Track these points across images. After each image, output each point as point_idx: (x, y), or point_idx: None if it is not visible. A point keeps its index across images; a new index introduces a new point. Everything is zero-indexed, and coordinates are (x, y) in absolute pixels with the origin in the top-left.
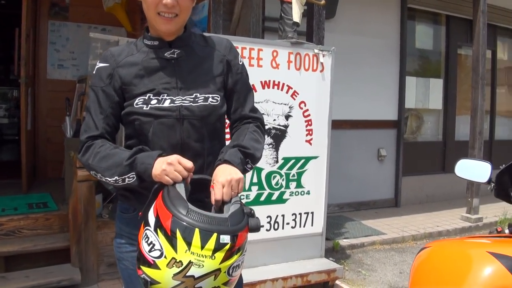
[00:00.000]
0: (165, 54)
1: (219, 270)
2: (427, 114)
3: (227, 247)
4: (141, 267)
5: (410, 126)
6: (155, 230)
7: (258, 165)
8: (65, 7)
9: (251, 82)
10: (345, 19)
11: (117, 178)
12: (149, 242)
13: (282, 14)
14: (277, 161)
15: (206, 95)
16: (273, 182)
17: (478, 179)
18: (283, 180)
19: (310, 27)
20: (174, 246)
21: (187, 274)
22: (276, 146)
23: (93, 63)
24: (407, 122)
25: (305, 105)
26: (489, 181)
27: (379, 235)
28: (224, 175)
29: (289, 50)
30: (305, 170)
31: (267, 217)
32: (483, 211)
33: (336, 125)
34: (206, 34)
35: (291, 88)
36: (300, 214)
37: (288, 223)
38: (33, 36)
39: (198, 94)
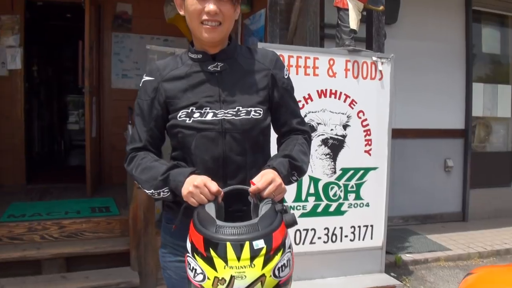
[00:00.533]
0: (209, 68)
1: (263, 276)
2: (496, 123)
3: (264, 251)
4: None
5: (478, 135)
6: (193, 255)
7: (316, 175)
8: (128, 19)
9: (307, 91)
10: (407, 24)
11: (153, 192)
12: (191, 268)
13: (339, 22)
14: (334, 172)
15: (249, 109)
16: (331, 193)
17: None
18: (341, 191)
19: (370, 34)
20: (212, 265)
21: None
22: (333, 157)
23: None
24: (474, 131)
25: (363, 114)
26: None
27: (444, 250)
28: (273, 177)
29: (346, 58)
30: (364, 182)
31: (325, 229)
32: None
33: (400, 133)
34: (259, 44)
35: (349, 97)
36: (359, 226)
37: (346, 236)
38: (97, 48)
39: (240, 108)
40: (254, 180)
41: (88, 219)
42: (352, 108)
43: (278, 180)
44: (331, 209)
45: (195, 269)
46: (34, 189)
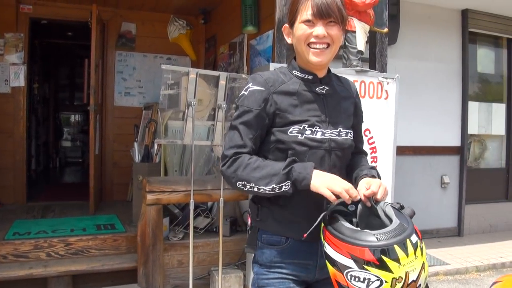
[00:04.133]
0: (317, 89)
1: (423, 263)
2: (490, 140)
3: (418, 243)
4: None
5: (473, 152)
6: (362, 268)
7: None
8: (132, 39)
9: None
10: (406, 44)
11: (274, 186)
12: (362, 279)
13: (346, 43)
14: None
15: (347, 131)
16: None
17: None
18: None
19: (373, 55)
20: (387, 269)
21: (409, 282)
22: None
23: (164, 93)
24: (470, 148)
25: (369, 133)
26: None
27: (442, 265)
28: (380, 182)
29: (354, 78)
30: None
31: None
32: None
33: (399, 151)
34: (338, 74)
35: None
36: None
37: None
38: (101, 66)
39: (341, 129)
40: (365, 185)
41: (95, 236)
42: None
43: (384, 184)
44: None
45: (368, 279)
46: (35, 206)
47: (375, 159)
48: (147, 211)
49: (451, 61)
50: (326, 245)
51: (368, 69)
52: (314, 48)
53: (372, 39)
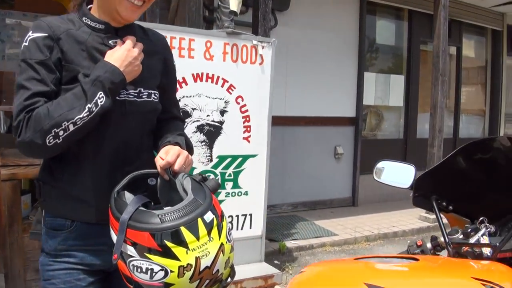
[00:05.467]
0: (110, 42)
1: (222, 244)
2: (388, 111)
3: (215, 221)
4: None
5: (369, 123)
6: (144, 256)
7: None
8: None
9: (182, 74)
10: (300, 12)
11: (90, 106)
12: (144, 270)
13: (219, 3)
14: (211, 160)
15: (150, 91)
16: None
17: (400, 184)
18: (218, 180)
19: (256, 18)
20: (172, 256)
21: (201, 269)
22: (209, 144)
23: (10, 53)
24: (365, 119)
25: (242, 100)
26: (411, 187)
27: (330, 236)
28: (179, 150)
29: (225, 41)
30: (242, 170)
31: None
32: None
33: (291, 121)
34: (142, 24)
35: (227, 82)
36: (237, 216)
37: None
38: None
39: (142, 89)
40: (161, 155)
41: None
42: (230, 93)
43: (185, 152)
44: None
45: (151, 269)
46: None
47: (248, 129)
48: (2, 188)
49: (348, 31)
50: (110, 229)
51: (240, 31)
52: (131, 3)
53: (255, 2)
